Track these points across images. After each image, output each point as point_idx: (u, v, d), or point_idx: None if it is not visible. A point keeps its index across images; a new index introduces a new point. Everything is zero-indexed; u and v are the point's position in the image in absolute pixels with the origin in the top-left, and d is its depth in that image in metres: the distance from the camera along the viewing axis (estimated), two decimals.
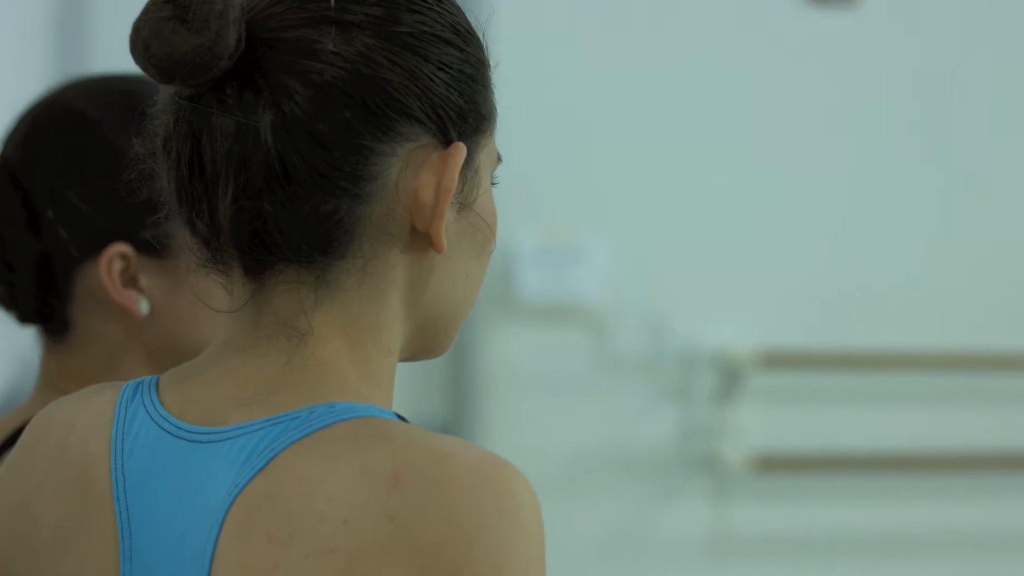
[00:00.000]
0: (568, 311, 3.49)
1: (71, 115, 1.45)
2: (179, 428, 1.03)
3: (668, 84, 3.52)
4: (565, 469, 3.50)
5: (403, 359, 1.10)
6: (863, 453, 3.61)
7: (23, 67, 2.76)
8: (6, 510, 1.09)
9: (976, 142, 3.64)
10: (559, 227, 3.48)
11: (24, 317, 1.47)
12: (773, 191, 3.57)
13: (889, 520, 3.63)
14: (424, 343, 1.11)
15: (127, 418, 1.05)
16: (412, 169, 1.03)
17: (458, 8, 1.08)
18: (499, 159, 1.11)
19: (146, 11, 1.00)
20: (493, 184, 1.11)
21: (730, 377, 3.55)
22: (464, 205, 1.07)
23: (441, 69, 1.04)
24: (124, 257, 1.42)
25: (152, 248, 1.41)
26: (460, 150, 1.04)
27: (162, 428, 1.04)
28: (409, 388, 3.35)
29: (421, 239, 1.05)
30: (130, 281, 1.42)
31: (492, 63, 1.09)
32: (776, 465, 3.55)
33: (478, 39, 1.09)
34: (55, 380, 1.46)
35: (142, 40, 1.00)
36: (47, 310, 1.45)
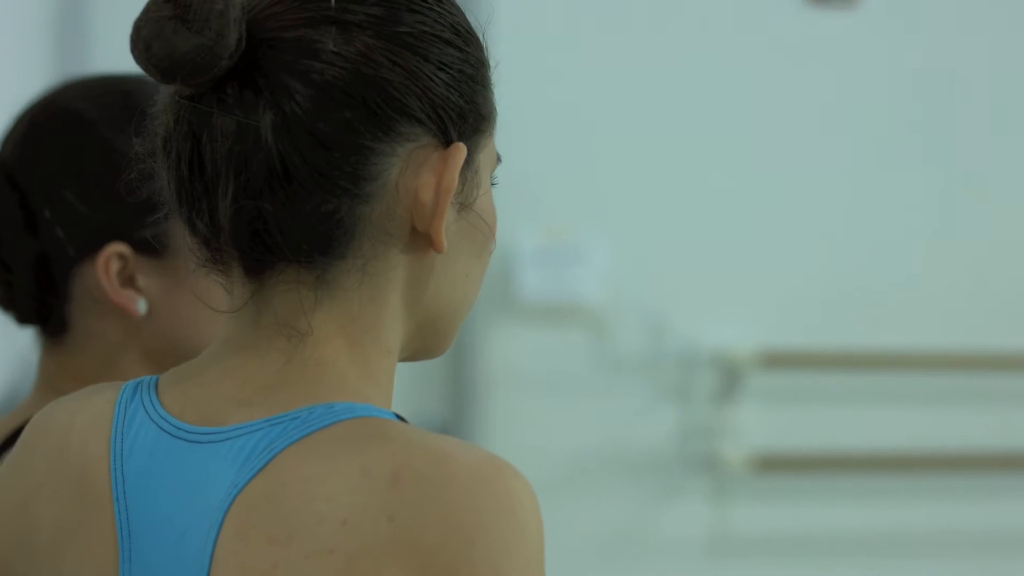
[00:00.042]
0: (568, 311, 3.49)
1: (69, 115, 1.45)
2: (178, 428, 1.03)
3: (668, 84, 3.52)
4: (565, 469, 3.50)
5: (402, 359, 1.10)
6: (863, 453, 3.61)
7: (23, 67, 2.75)
8: (6, 510, 1.09)
9: (976, 142, 3.64)
10: (559, 227, 3.48)
11: (22, 317, 1.47)
12: (773, 191, 3.57)
13: (889, 520, 3.63)
14: (424, 343, 1.11)
15: (126, 418, 1.05)
16: (412, 169, 1.03)
17: (458, 8, 1.08)
18: (498, 159, 1.11)
19: (147, 11, 1.00)
20: (492, 184, 1.11)
21: (730, 377, 3.55)
22: (464, 205, 1.07)
23: (441, 69, 1.04)
24: (121, 257, 1.42)
25: (150, 248, 1.41)
26: (460, 150, 1.04)
27: (161, 428, 1.04)
28: (409, 388, 3.35)
29: (421, 239, 1.05)
30: (128, 281, 1.42)
31: (492, 63, 1.09)
32: (776, 465, 3.55)
33: (478, 39, 1.09)
34: (54, 380, 1.46)
35: (143, 40, 1.00)
36: (45, 310, 1.45)
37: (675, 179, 3.53)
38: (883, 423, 3.61)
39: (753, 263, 3.56)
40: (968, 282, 3.65)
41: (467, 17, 1.09)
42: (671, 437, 3.55)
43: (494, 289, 3.40)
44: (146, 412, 1.05)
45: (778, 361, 3.54)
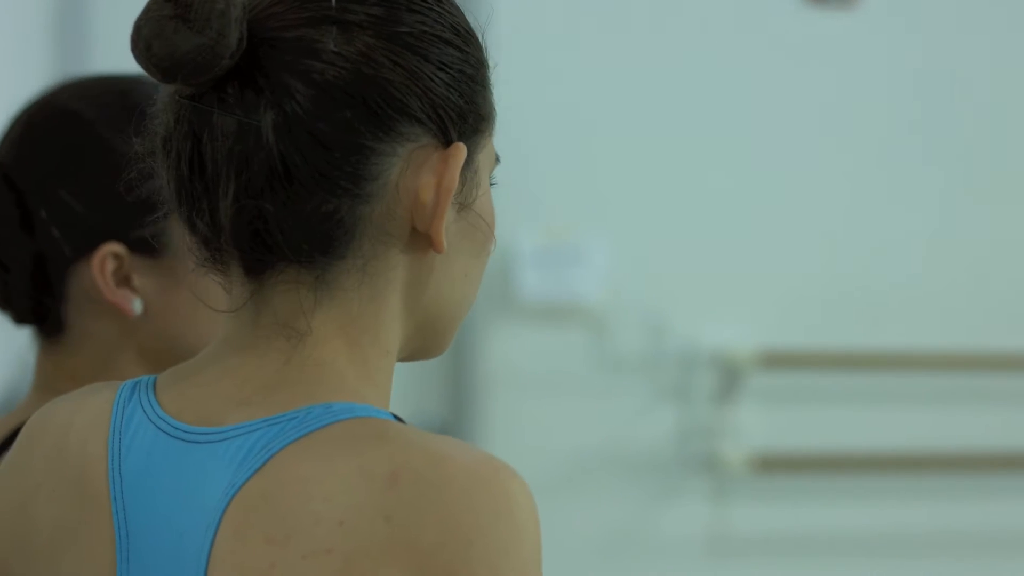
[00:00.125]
0: (568, 311, 3.49)
1: (66, 115, 1.45)
2: (176, 428, 1.03)
3: (668, 84, 3.52)
4: (565, 469, 3.50)
5: (401, 359, 1.10)
6: (863, 453, 3.61)
7: (23, 67, 2.76)
8: (4, 510, 1.09)
9: (976, 142, 3.64)
10: (559, 227, 3.48)
11: (19, 317, 1.47)
12: (773, 191, 3.57)
13: (889, 520, 3.63)
14: (422, 343, 1.11)
15: (124, 418, 1.05)
16: (413, 169, 1.03)
17: (458, 8, 1.09)
18: (497, 159, 1.11)
19: (147, 10, 1.00)
20: (491, 185, 1.11)
21: (730, 377, 3.55)
22: (464, 205, 1.07)
23: (441, 69, 1.04)
24: (117, 256, 1.42)
25: (145, 248, 1.41)
26: (460, 150, 1.04)
27: (159, 428, 1.04)
28: (409, 388, 3.35)
29: (421, 239, 1.05)
30: (123, 280, 1.42)
31: (491, 63, 1.09)
32: (776, 465, 3.55)
33: (477, 39, 1.09)
34: (51, 380, 1.46)
35: (143, 39, 1.00)
36: (42, 310, 1.45)
37: (675, 179, 3.53)
38: (883, 423, 3.61)
39: (753, 263, 3.56)
40: (968, 282, 3.65)
41: (467, 17, 1.09)
42: (671, 437, 3.55)
43: (494, 289, 3.40)
44: (144, 412, 1.05)
45: (778, 361, 3.54)
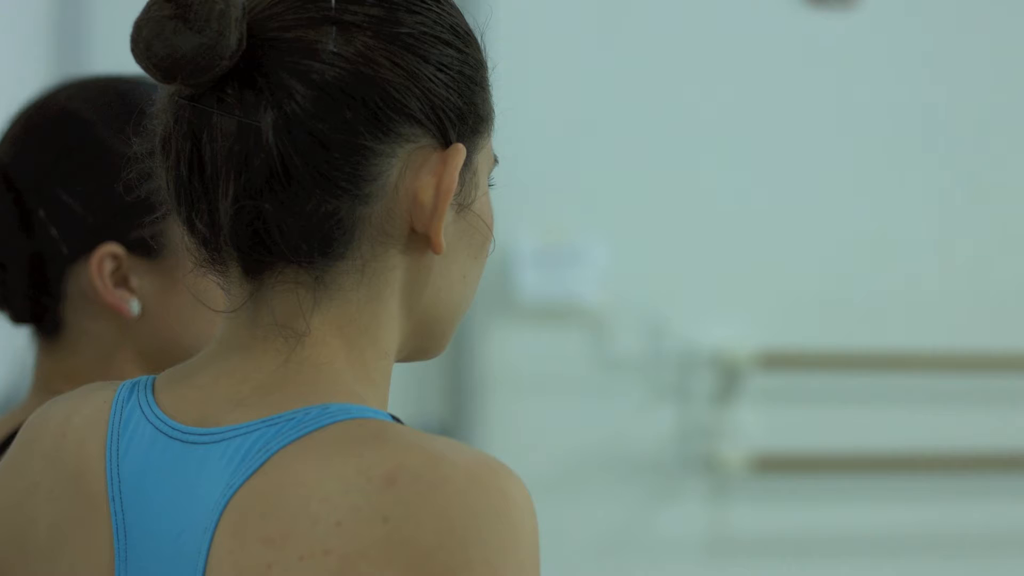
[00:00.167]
0: (567, 312, 3.49)
1: (65, 115, 1.45)
2: (174, 429, 1.03)
3: (667, 84, 3.52)
4: (564, 469, 3.50)
5: (399, 360, 1.10)
6: (862, 453, 3.61)
7: (23, 67, 2.76)
8: (2, 510, 1.09)
9: (976, 142, 3.64)
10: (558, 228, 3.48)
11: (17, 317, 1.47)
12: (772, 191, 3.57)
13: (888, 520, 3.63)
14: (420, 344, 1.11)
15: (123, 418, 1.05)
16: (412, 170, 1.03)
17: (457, 9, 1.09)
18: (495, 160, 1.12)
19: (147, 10, 1.00)
20: (489, 186, 1.11)
21: (729, 377, 3.55)
22: (463, 206, 1.07)
23: (441, 70, 1.04)
24: (115, 257, 1.42)
25: (143, 248, 1.41)
26: (460, 151, 1.04)
27: (157, 429, 1.04)
28: (408, 389, 3.35)
29: (420, 240, 1.05)
30: (121, 281, 1.43)
31: (490, 64, 1.09)
32: (775, 465, 3.55)
33: (476, 40, 1.09)
34: (49, 380, 1.46)
35: (143, 40, 1.00)
36: (40, 310, 1.45)
37: (674, 179, 3.53)
38: (882, 423, 3.61)
39: (752, 263, 3.56)
40: (968, 282, 3.65)
41: (466, 18, 1.09)
42: (670, 437, 3.55)
43: (493, 290, 3.40)
44: (142, 412, 1.05)
45: (777, 361, 3.54)
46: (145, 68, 1.00)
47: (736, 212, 3.55)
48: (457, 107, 1.05)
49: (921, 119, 3.62)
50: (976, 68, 3.64)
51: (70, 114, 1.45)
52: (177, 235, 1.11)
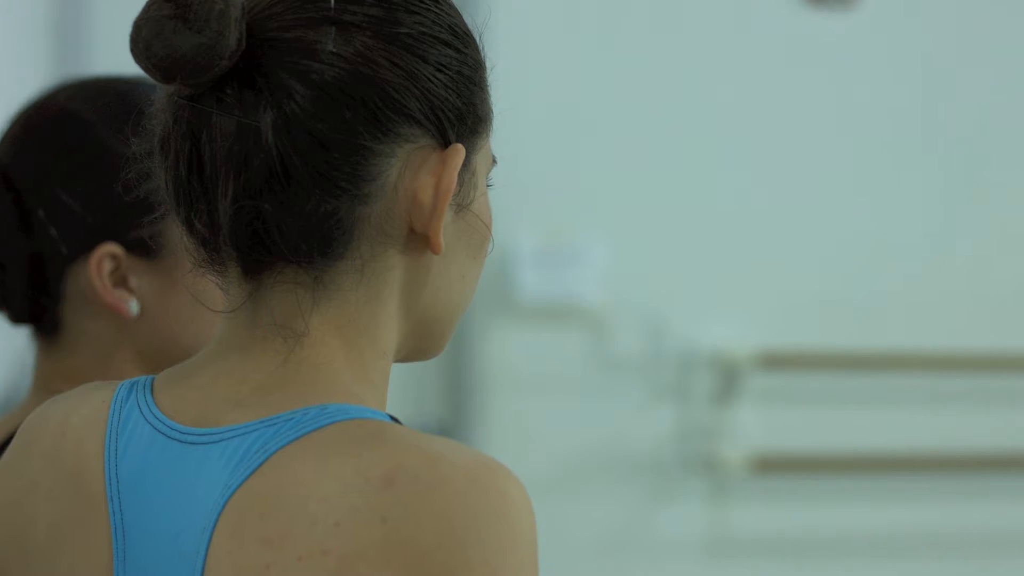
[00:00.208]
0: (567, 312, 3.49)
1: (65, 115, 1.45)
2: (173, 429, 1.03)
3: (667, 85, 3.52)
4: (563, 469, 3.50)
5: (397, 360, 1.10)
6: (862, 453, 3.61)
7: (23, 67, 2.76)
8: (2, 509, 1.09)
9: (976, 142, 3.64)
10: (558, 228, 3.48)
11: (16, 317, 1.47)
12: (772, 191, 3.57)
13: (888, 520, 3.63)
14: (419, 344, 1.11)
15: (121, 418, 1.05)
16: (411, 170, 1.03)
17: (455, 9, 1.09)
18: (494, 161, 1.12)
19: (146, 10, 1.00)
20: (488, 186, 1.11)
21: (728, 377, 3.55)
22: (461, 206, 1.07)
23: (440, 70, 1.04)
24: (114, 257, 1.42)
25: (142, 249, 1.41)
26: (459, 151, 1.04)
27: (156, 429, 1.04)
28: (407, 388, 3.36)
29: (419, 240, 1.05)
30: (120, 281, 1.43)
31: (489, 64, 1.09)
32: (774, 465, 3.55)
33: (475, 40, 1.09)
34: (49, 380, 1.46)
35: (143, 39, 1.00)
36: (39, 310, 1.46)
37: (674, 180, 3.53)
38: (882, 423, 3.61)
39: (751, 264, 3.56)
40: (968, 282, 3.65)
41: (465, 18, 1.09)
42: (669, 437, 3.55)
43: (493, 290, 3.40)
44: (141, 412, 1.05)
45: (776, 361, 3.54)
46: (144, 68, 1.00)
47: (736, 212, 3.55)
48: (456, 107, 1.05)
49: (921, 119, 3.62)
50: (976, 68, 3.64)
51: (70, 114, 1.45)
52: (176, 235, 1.11)
